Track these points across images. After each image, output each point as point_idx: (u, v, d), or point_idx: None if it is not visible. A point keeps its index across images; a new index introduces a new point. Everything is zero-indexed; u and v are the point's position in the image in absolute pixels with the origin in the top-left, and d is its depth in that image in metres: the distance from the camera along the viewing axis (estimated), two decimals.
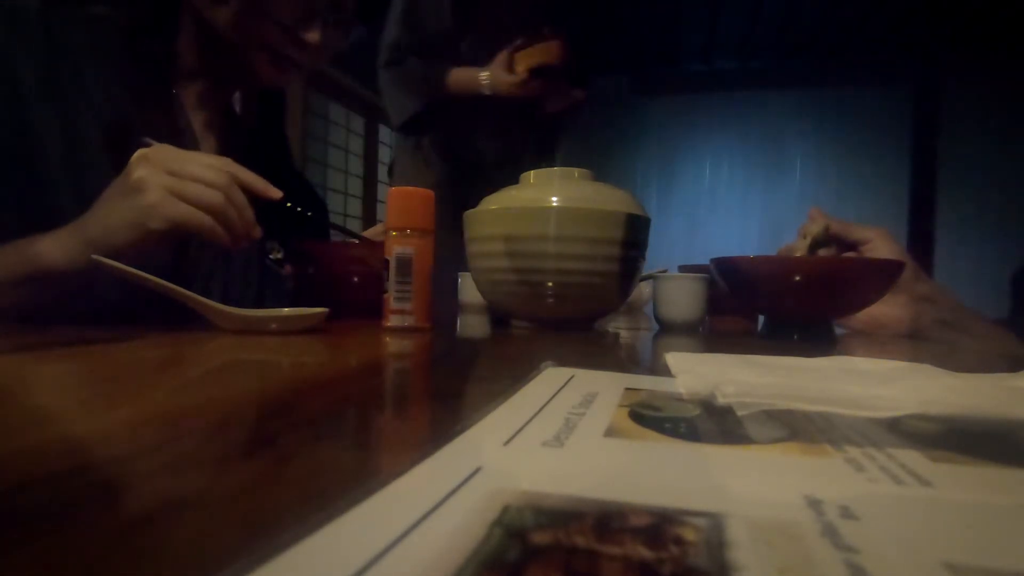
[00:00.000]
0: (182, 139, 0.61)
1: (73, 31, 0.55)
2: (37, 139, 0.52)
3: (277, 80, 0.63)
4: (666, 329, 0.66)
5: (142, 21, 0.58)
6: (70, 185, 0.52)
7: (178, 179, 0.45)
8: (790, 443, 0.16)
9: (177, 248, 0.59)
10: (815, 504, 0.12)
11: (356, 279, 0.62)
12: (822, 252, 0.59)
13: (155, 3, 0.59)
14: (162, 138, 0.50)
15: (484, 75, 1.20)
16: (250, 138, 0.71)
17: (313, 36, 0.59)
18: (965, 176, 3.22)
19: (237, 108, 0.73)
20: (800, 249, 0.59)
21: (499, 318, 0.63)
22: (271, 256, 0.68)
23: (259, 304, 0.67)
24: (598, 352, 0.43)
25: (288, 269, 0.70)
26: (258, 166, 0.50)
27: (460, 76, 1.24)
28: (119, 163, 0.46)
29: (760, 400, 0.18)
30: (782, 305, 0.58)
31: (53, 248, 0.45)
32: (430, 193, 0.50)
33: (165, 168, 0.45)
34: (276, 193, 0.49)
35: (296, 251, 0.65)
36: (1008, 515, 0.12)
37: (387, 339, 0.44)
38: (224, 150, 0.66)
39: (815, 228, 0.59)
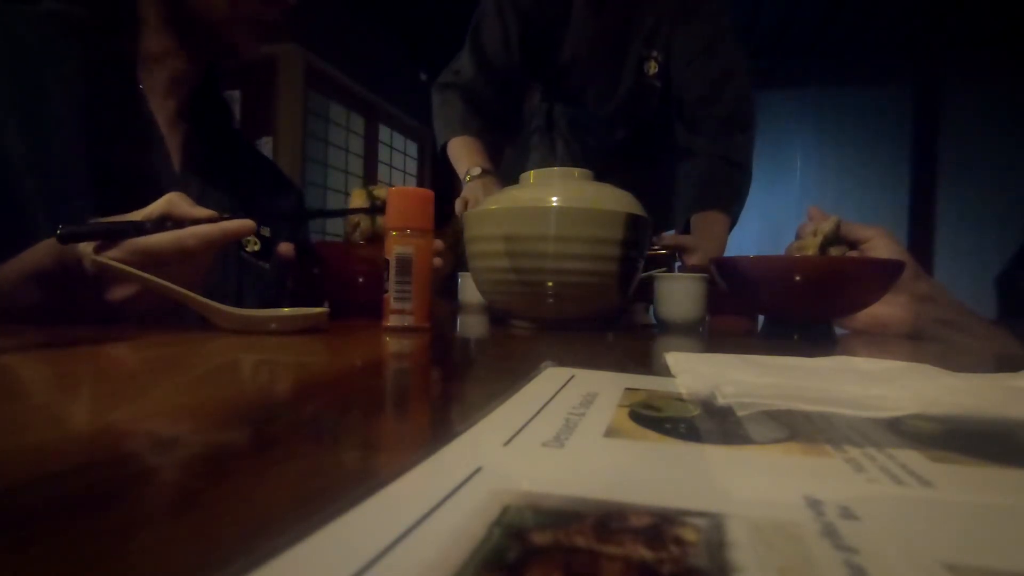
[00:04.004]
0: (146, 136, 0.60)
1: (28, 30, 0.53)
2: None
3: (255, 48, 0.62)
4: (666, 329, 0.66)
5: (101, 14, 0.56)
6: (35, 184, 0.52)
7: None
8: (790, 443, 0.16)
9: None
10: (815, 504, 0.12)
11: (362, 279, 0.62)
12: (833, 250, 0.59)
13: None
14: (126, 138, 0.49)
15: (469, 181, 1.01)
16: (210, 127, 0.70)
17: None
18: (965, 176, 3.22)
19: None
20: (812, 247, 0.59)
21: (499, 318, 0.63)
22: (247, 249, 0.67)
23: (239, 298, 0.67)
24: (598, 352, 0.43)
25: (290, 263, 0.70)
26: (225, 152, 0.48)
27: (458, 153, 1.07)
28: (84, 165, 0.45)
29: (760, 400, 0.18)
30: (782, 305, 0.57)
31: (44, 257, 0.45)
32: (430, 193, 0.50)
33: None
34: (250, 227, 0.48)
35: (302, 251, 0.65)
36: (1008, 515, 0.12)
37: (387, 339, 0.44)
38: (188, 144, 0.65)
39: (827, 226, 0.58)
